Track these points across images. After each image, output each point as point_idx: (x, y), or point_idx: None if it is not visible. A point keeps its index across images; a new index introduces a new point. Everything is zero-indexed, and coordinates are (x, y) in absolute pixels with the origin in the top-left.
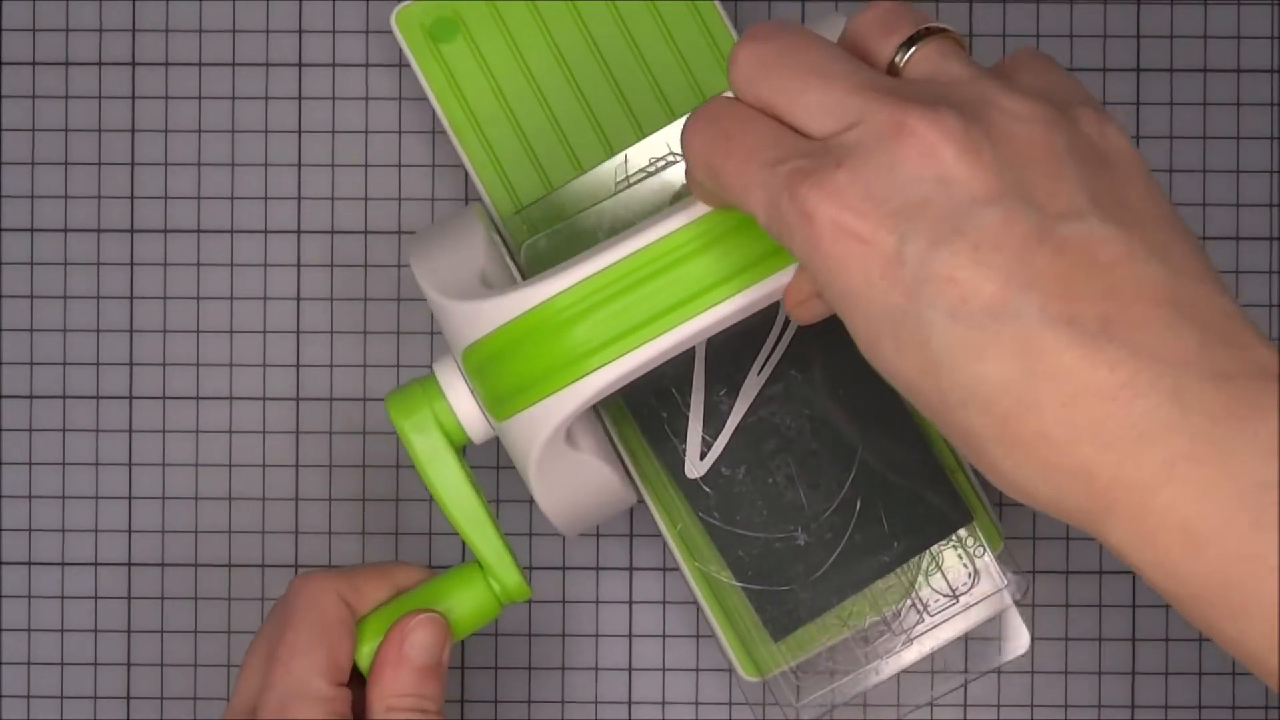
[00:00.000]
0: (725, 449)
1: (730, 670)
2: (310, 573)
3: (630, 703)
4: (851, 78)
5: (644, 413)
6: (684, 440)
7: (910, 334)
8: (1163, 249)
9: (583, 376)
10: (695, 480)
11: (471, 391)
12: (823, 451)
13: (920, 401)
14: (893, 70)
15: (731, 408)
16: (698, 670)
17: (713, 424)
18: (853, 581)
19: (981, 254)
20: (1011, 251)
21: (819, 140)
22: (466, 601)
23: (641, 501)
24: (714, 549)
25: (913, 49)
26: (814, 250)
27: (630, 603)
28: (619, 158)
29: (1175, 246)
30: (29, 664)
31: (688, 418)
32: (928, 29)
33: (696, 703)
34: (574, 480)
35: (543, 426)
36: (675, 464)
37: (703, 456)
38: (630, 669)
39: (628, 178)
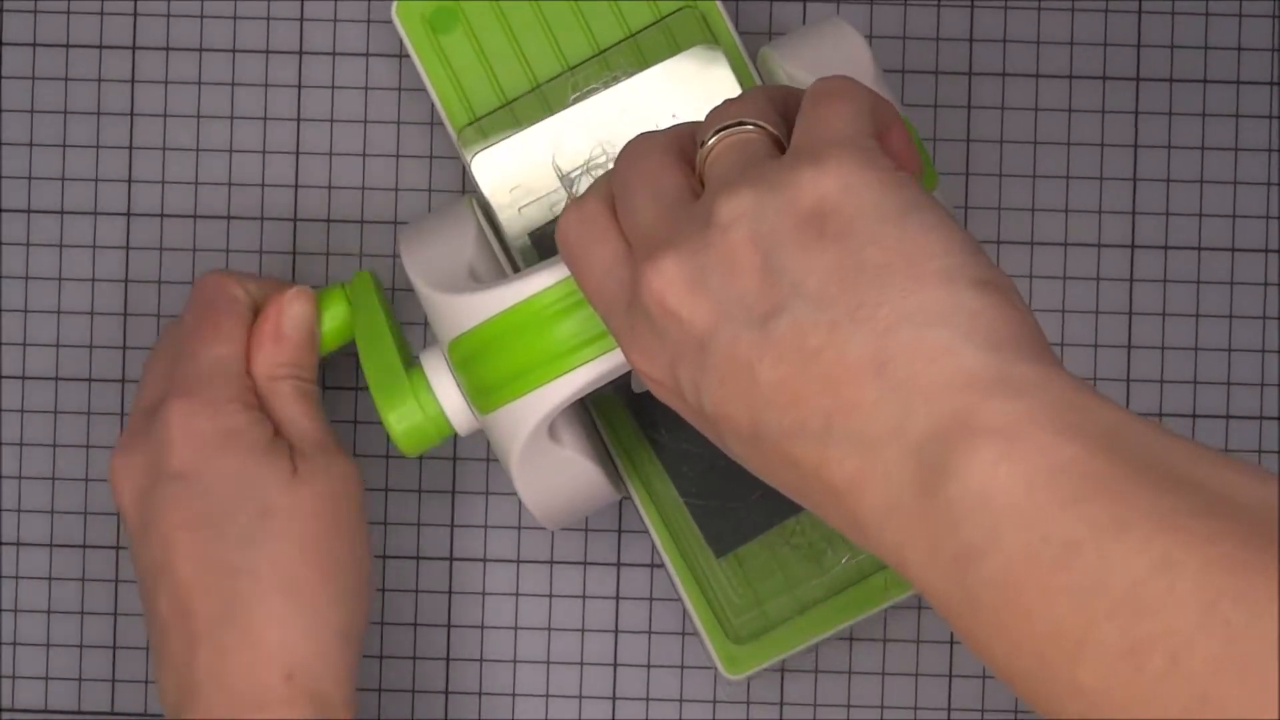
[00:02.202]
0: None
1: (709, 656)
2: (218, 271)
3: (614, 698)
4: (641, 216)
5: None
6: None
7: (727, 449)
8: (868, 307)
9: (566, 372)
10: (641, 395)
11: (457, 383)
12: None
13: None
14: (699, 162)
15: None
16: (683, 667)
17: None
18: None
19: (727, 386)
20: (745, 376)
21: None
22: (331, 319)
23: (627, 497)
24: (658, 463)
25: (708, 144)
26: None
27: (617, 598)
28: (576, 74)
29: (882, 293)
30: (15, 645)
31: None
32: (740, 122)
33: (681, 700)
34: (557, 475)
35: (526, 421)
36: (622, 379)
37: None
38: (615, 664)
39: (581, 91)
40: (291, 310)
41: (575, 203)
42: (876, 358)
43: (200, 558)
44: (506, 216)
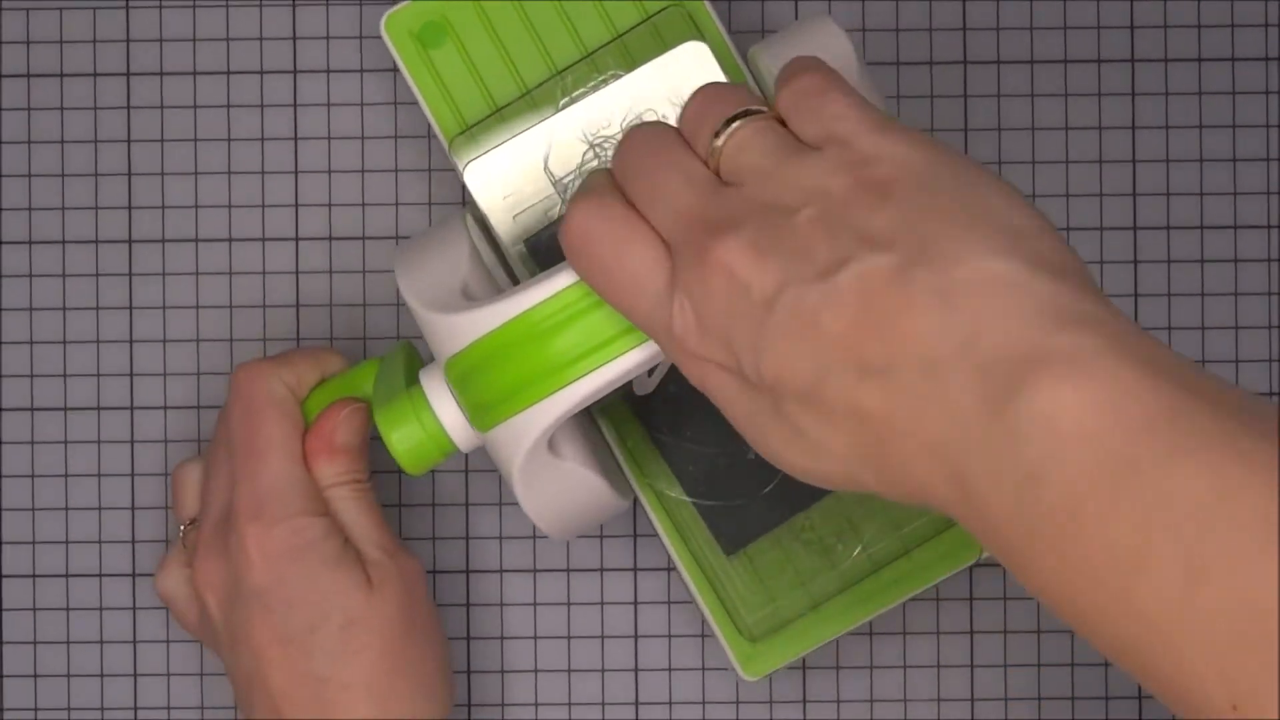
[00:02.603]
0: (674, 366)
1: (727, 658)
2: (251, 363)
3: (637, 703)
4: (679, 199)
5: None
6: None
7: (783, 425)
8: (932, 245)
9: (563, 386)
10: (646, 398)
11: (457, 401)
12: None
13: (823, 483)
14: (712, 156)
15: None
16: (704, 670)
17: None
18: (804, 495)
19: (791, 340)
20: (810, 329)
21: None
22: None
23: (636, 502)
24: (664, 465)
25: (722, 137)
26: (706, 392)
27: (635, 604)
28: (565, 78)
29: (945, 233)
30: (35, 676)
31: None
32: (746, 111)
33: (703, 702)
34: (559, 488)
35: (525, 436)
36: (626, 385)
37: (651, 374)
38: (636, 670)
39: (571, 96)
40: (346, 427)
41: (589, 200)
42: (941, 290)
43: (290, 671)
44: (502, 225)
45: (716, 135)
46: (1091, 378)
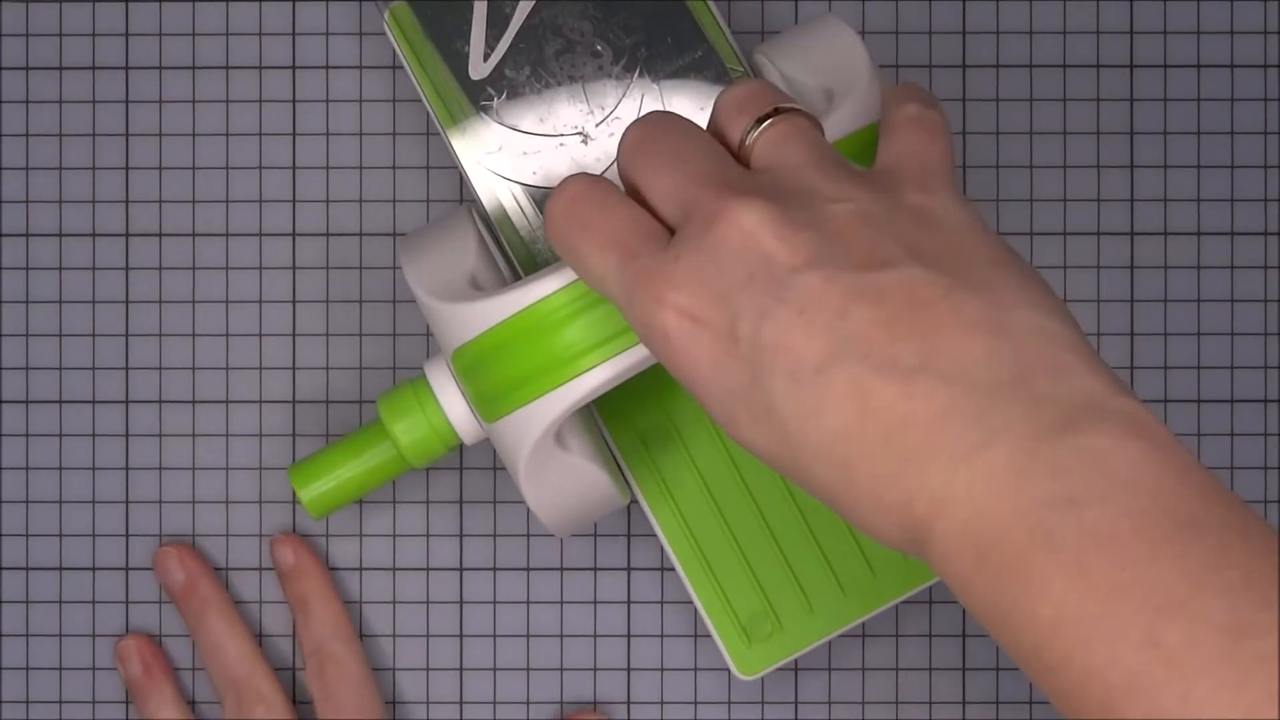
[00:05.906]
0: (509, 51)
1: (723, 657)
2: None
3: (629, 703)
4: (700, 166)
5: (429, 16)
6: (468, 42)
7: (759, 404)
8: (984, 285)
9: (572, 379)
10: (479, 81)
11: (462, 393)
12: (606, 53)
13: (784, 470)
14: (743, 148)
15: (515, 10)
16: (696, 670)
17: (497, 27)
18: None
19: (806, 316)
20: (833, 309)
21: (662, 225)
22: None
23: (634, 502)
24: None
25: (759, 129)
26: (665, 348)
27: (628, 603)
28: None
29: (998, 281)
30: (27, 669)
31: (470, 20)
32: (777, 109)
33: (695, 702)
34: (564, 481)
35: (532, 428)
36: (460, 68)
37: (486, 58)
38: (629, 669)
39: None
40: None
41: (579, 176)
42: (995, 321)
43: None
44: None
45: (754, 127)
46: (1158, 439)
